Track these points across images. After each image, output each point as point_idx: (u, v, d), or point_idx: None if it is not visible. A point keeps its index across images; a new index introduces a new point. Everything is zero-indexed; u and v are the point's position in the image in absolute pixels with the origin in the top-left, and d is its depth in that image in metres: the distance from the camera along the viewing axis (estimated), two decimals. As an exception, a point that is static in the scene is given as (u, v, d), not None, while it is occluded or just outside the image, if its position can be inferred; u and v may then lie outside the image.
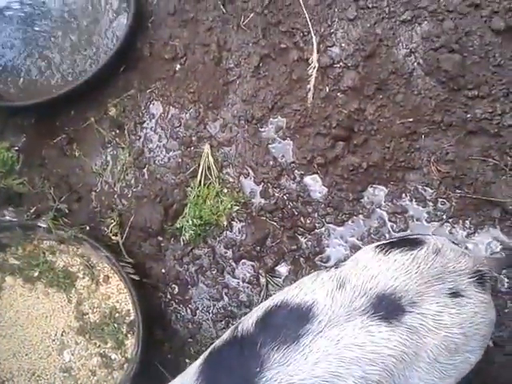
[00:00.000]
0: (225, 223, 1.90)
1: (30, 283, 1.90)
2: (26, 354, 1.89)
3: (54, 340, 1.89)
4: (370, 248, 1.36)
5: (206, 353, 1.35)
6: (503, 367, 1.68)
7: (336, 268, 1.34)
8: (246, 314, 1.84)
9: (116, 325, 1.87)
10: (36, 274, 1.88)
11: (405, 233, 1.81)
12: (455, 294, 1.24)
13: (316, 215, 1.86)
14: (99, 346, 1.86)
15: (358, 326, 1.20)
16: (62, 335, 1.88)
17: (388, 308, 1.21)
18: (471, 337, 1.25)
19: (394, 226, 1.83)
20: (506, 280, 1.71)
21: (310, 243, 1.87)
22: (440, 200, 1.80)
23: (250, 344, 1.24)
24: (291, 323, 1.22)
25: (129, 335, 1.87)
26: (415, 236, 1.38)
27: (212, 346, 1.36)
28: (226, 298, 1.91)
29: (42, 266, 1.87)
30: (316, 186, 1.87)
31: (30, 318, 1.90)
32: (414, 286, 1.22)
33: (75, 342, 1.88)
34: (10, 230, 1.85)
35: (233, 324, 1.87)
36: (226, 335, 1.35)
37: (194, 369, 1.33)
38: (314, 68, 1.84)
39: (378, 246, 1.34)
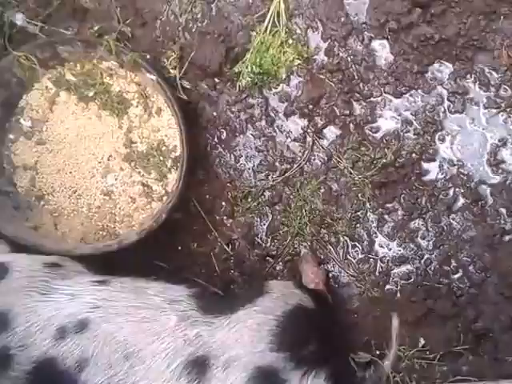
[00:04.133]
0: (283, 76, 1.89)
1: (84, 102, 1.89)
2: (70, 172, 1.91)
3: (99, 162, 1.91)
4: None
5: None
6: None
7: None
8: (287, 170, 1.92)
9: (161, 158, 1.90)
10: (91, 93, 1.86)
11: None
12: None
13: (376, 83, 1.85)
14: (143, 175, 1.91)
15: None
16: (108, 159, 1.91)
17: None
18: None
19: (451, 106, 1.83)
20: None
21: (363, 111, 1.88)
22: (503, 86, 1.80)
23: None
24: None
25: (172, 170, 1.91)
26: None
27: None
28: (270, 152, 1.94)
29: (99, 86, 1.85)
30: (383, 52, 1.85)
31: (79, 137, 1.91)
32: None
33: (120, 167, 1.91)
34: (71, 43, 1.80)
35: (273, 177, 1.93)
36: None
37: None
38: None
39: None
